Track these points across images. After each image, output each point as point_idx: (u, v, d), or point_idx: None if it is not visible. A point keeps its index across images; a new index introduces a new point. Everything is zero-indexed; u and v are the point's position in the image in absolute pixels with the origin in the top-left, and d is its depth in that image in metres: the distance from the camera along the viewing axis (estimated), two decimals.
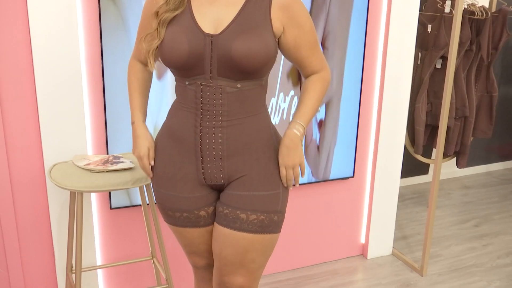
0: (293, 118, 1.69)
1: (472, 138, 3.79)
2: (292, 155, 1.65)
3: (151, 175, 1.76)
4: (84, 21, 2.28)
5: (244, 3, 1.58)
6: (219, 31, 1.55)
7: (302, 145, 1.68)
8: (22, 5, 2.17)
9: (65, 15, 2.22)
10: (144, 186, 2.27)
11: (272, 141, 1.69)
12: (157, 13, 1.59)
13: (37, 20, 2.19)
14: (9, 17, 2.17)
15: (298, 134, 1.65)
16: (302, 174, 1.69)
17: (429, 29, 3.45)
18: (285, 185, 1.69)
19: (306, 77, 1.73)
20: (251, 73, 1.57)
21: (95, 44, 2.31)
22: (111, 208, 2.51)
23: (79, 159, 2.25)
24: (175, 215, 1.73)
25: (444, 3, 3.34)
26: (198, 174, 1.66)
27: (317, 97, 1.69)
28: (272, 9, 1.58)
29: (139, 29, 1.76)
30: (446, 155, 3.71)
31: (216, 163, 1.64)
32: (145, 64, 1.77)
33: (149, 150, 1.74)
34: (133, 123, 1.78)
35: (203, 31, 1.56)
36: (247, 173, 1.65)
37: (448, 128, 3.50)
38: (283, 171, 1.67)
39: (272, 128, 1.72)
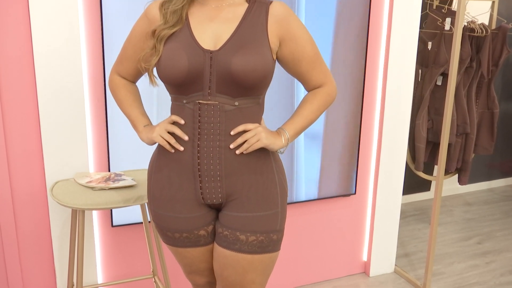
0: (283, 125, 1.68)
1: (473, 155, 3.79)
2: (264, 134, 1.60)
3: (185, 136, 1.60)
4: (86, 38, 2.30)
5: (242, 19, 1.60)
6: (218, 47, 1.56)
7: (274, 148, 1.63)
8: (25, 25, 2.19)
9: (67, 33, 2.24)
10: (146, 203, 2.26)
11: (270, 160, 1.69)
12: (154, 32, 1.60)
13: (39, 38, 2.21)
14: (12, 36, 2.19)
15: (280, 144, 1.64)
16: (248, 146, 1.60)
17: (429, 46, 3.46)
18: (235, 144, 1.60)
19: (309, 91, 1.74)
20: (249, 89, 1.58)
21: (97, 62, 2.33)
22: (112, 226, 2.51)
23: (80, 177, 2.26)
24: (175, 236, 1.72)
25: (444, 20, 3.36)
26: (196, 194, 1.65)
27: (314, 109, 1.69)
28: (268, 23, 1.60)
29: (126, 45, 1.75)
30: (447, 171, 3.71)
31: (214, 183, 1.63)
32: (129, 80, 1.79)
33: (170, 121, 1.63)
34: (145, 125, 1.72)
35: (202, 47, 1.56)
36: (245, 193, 1.64)
37: (449, 145, 3.50)
38: (249, 133, 1.60)
39: None
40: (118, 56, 1.80)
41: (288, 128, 1.67)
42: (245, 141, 1.60)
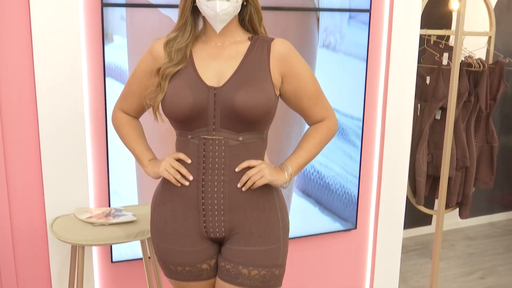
0: (286, 160, 1.70)
1: (474, 189, 3.78)
2: (268, 171, 1.62)
3: (189, 176, 1.63)
4: (88, 74, 2.32)
5: (244, 56, 1.63)
6: (221, 84, 1.59)
7: (278, 184, 1.65)
8: (28, 60, 2.22)
9: (69, 69, 2.26)
10: (146, 239, 2.25)
11: (273, 195, 1.70)
12: (159, 70, 1.63)
13: (42, 74, 2.23)
14: (15, 71, 2.22)
15: (283, 179, 1.65)
16: (252, 183, 1.62)
17: (427, 81, 3.50)
18: (241, 182, 1.62)
19: (311, 125, 1.75)
20: (253, 124, 1.60)
21: (99, 98, 2.35)
22: (112, 262, 2.49)
23: (81, 212, 2.25)
24: (177, 269, 1.71)
25: (442, 55, 3.41)
26: (200, 228, 1.65)
27: (316, 143, 1.71)
28: (270, 60, 1.63)
29: (130, 81, 1.77)
30: (448, 205, 3.70)
31: (218, 217, 1.63)
32: (133, 116, 1.81)
33: (175, 157, 1.64)
34: (150, 159, 1.74)
35: (206, 84, 1.59)
36: (248, 227, 1.64)
37: (449, 179, 3.51)
38: (252, 170, 1.61)
39: None
40: (122, 92, 1.82)
41: (291, 164, 1.68)
42: (249, 178, 1.61)
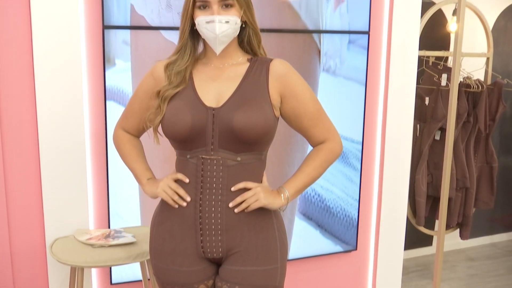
0: (284, 183, 1.69)
1: (474, 209, 3.78)
2: (263, 194, 1.62)
3: (187, 197, 1.63)
4: (89, 98, 2.34)
5: (243, 77, 1.64)
6: (220, 104, 1.60)
7: (273, 208, 1.65)
8: (30, 87, 2.24)
9: (70, 93, 2.28)
10: (146, 261, 2.24)
11: (270, 215, 1.69)
12: (159, 92, 1.64)
13: (43, 98, 2.25)
14: (16, 97, 2.23)
15: (279, 203, 1.64)
16: (246, 206, 1.61)
17: (426, 102, 3.52)
18: (234, 202, 1.62)
19: (314, 146, 1.75)
20: (251, 144, 1.60)
21: (99, 119, 2.36)
22: (111, 284, 2.47)
23: (80, 234, 2.25)
24: None
25: (440, 76, 3.43)
26: (197, 248, 1.65)
27: (316, 166, 1.70)
28: (269, 81, 1.64)
29: (132, 101, 1.79)
30: (449, 226, 3.69)
31: (215, 237, 1.63)
32: (133, 135, 1.82)
33: (173, 178, 1.65)
34: (149, 178, 1.75)
35: (205, 105, 1.60)
36: (245, 247, 1.64)
37: (449, 199, 3.50)
38: (248, 193, 1.61)
39: None
40: (124, 111, 1.84)
41: (289, 187, 1.68)
42: (244, 200, 1.61)
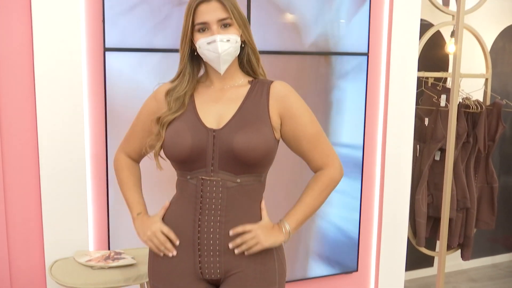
0: (284, 217, 1.68)
1: (475, 230, 3.76)
2: (263, 236, 1.61)
3: (173, 251, 1.65)
4: (90, 117, 2.35)
5: (244, 99, 1.65)
6: (221, 126, 1.61)
7: (277, 245, 1.65)
8: (31, 105, 2.25)
9: (71, 112, 2.30)
10: (145, 283, 2.23)
11: None
12: (159, 119, 1.66)
13: (44, 117, 2.26)
14: (17, 111, 2.24)
15: (281, 239, 1.64)
16: (247, 248, 1.61)
17: (426, 122, 3.53)
18: (234, 244, 1.61)
19: (314, 171, 1.74)
20: (251, 166, 1.61)
21: (99, 140, 2.37)
22: None
23: (80, 255, 2.24)
24: None
25: (440, 97, 3.45)
26: (195, 268, 1.64)
27: (315, 196, 1.69)
28: (269, 102, 1.65)
29: (135, 123, 1.80)
30: (450, 247, 3.68)
31: (214, 258, 1.63)
32: (134, 159, 1.83)
33: (161, 228, 1.66)
34: (138, 213, 1.75)
35: (206, 126, 1.61)
36: (243, 269, 1.63)
37: (450, 220, 3.49)
38: (248, 235, 1.61)
39: None
40: (126, 134, 1.85)
41: (289, 220, 1.66)
42: (244, 242, 1.60)
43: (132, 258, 2.19)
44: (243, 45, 1.68)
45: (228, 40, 1.60)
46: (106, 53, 2.31)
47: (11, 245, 2.29)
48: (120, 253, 2.26)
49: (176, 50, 2.37)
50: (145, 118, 1.75)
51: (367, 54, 2.82)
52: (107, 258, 2.20)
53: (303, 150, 1.70)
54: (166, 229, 1.64)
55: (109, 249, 2.42)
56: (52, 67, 2.25)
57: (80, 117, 2.31)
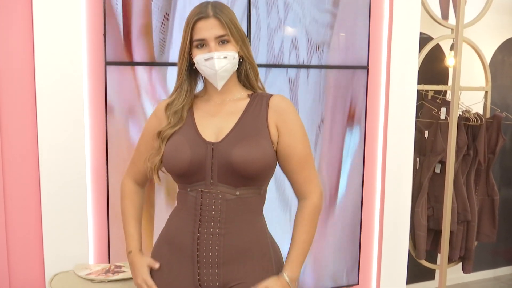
0: (283, 268, 1.68)
1: (476, 243, 3.76)
2: None
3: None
4: (90, 132, 2.36)
5: (243, 112, 1.67)
6: (220, 139, 1.62)
7: None
8: (32, 122, 2.26)
9: (71, 127, 2.30)
10: None
11: (268, 249, 1.69)
12: (159, 133, 1.67)
13: (45, 131, 2.27)
14: (18, 126, 2.25)
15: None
16: None
17: (426, 135, 3.54)
18: None
19: (297, 196, 1.73)
20: (250, 179, 1.61)
21: (100, 154, 2.37)
22: None
23: (80, 269, 2.24)
24: None
25: (439, 110, 3.46)
26: (194, 280, 1.64)
27: (307, 230, 1.69)
28: (269, 113, 1.66)
29: (138, 147, 1.81)
30: (451, 260, 3.66)
31: (212, 270, 1.63)
32: (140, 183, 1.83)
33: (145, 280, 1.71)
34: (129, 252, 1.78)
35: (205, 139, 1.62)
36: (243, 281, 1.63)
37: (451, 233, 3.49)
38: None
39: (268, 237, 1.73)
40: (131, 157, 1.85)
41: (287, 270, 1.67)
42: None
43: None
44: (241, 60, 1.70)
45: (225, 57, 1.62)
46: (107, 66, 2.33)
47: (11, 258, 2.29)
48: (120, 267, 2.25)
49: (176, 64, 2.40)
50: (148, 138, 1.76)
51: (367, 68, 2.84)
52: (107, 271, 2.19)
53: (290, 169, 1.69)
54: (150, 283, 1.69)
55: (109, 262, 2.42)
56: (53, 80, 2.26)
57: (81, 130, 2.32)
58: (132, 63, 2.37)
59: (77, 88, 2.30)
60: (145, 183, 1.86)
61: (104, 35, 2.31)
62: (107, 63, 2.33)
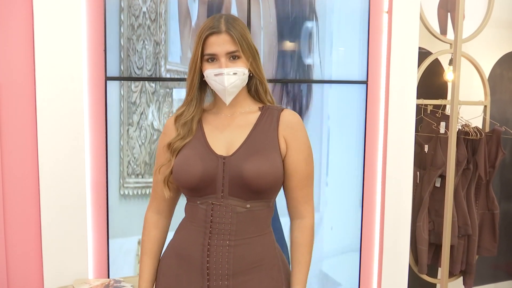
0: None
1: (477, 257, 3.74)
2: None
3: None
4: (91, 146, 2.37)
5: (254, 125, 1.67)
6: (230, 153, 1.62)
7: None
8: (32, 138, 2.26)
9: (72, 139, 2.31)
10: None
11: (277, 260, 1.69)
12: (169, 145, 1.67)
13: (45, 144, 2.27)
14: (19, 141, 2.26)
15: None
16: None
17: (426, 149, 3.54)
18: None
19: (290, 213, 1.74)
20: (260, 193, 1.62)
21: (100, 168, 2.38)
22: None
23: (79, 283, 2.23)
24: None
25: (439, 124, 3.46)
26: None
27: (308, 250, 1.70)
28: (279, 127, 1.66)
29: (155, 172, 1.76)
30: (452, 274, 3.65)
31: (222, 282, 1.62)
32: (163, 212, 1.79)
33: None
34: None
35: (216, 153, 1.63)
36: None
37: (452, 247, 3.48)
38: None
39: (276, 248, 1.73)
40: (152, 189, 1.81)
41: None
42: None
43: (131, 286, 2.19)
44: (251, 74, 1.70)
45: (235, 73, 1.62)
46: (108, 82, 2.34)
47: (10, 272, 2.28)
48: (119, 281, 2.25)
49: (177, 79, 2.41)
50: (160, 157, 1.74)
51: (366, 82, 2.85)
52: (107, 286, 2.19)
53: (290, 186, 1.69)
54: None
55: (108, 277, 2.41)
56: (53, 96, 2.27)
57: (81, 146, 2.32)
58: (133, 78, 2.38)
59: (78, 103, 2.31)
60: (171, 211, 1.81)
61: (105, 50, 2.32)
62: (107, 78, 2.34)
